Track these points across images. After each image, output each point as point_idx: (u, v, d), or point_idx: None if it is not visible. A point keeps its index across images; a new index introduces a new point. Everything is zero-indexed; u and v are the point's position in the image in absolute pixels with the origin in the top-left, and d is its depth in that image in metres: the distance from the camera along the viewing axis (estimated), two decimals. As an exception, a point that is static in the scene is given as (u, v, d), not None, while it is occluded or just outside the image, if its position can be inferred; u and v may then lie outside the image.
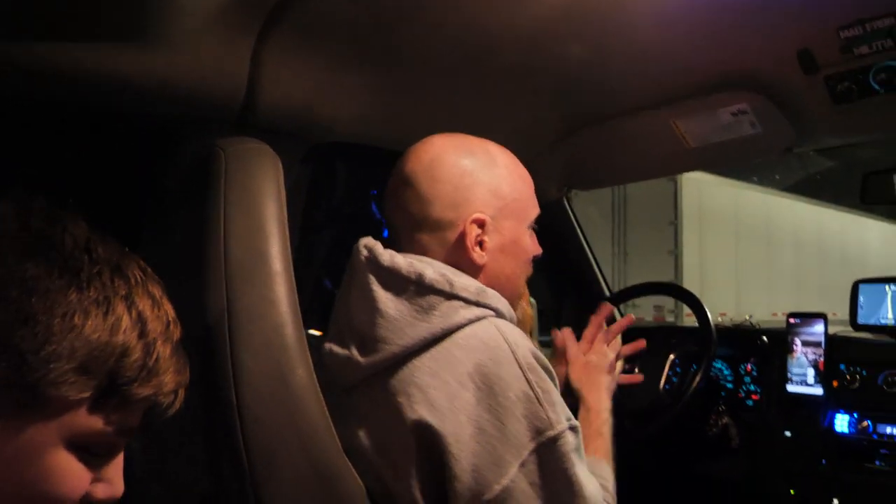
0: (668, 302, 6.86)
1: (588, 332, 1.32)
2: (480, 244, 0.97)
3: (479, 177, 0.97)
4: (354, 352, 0.92)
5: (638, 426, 1.37)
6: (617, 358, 1.31)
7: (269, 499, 0.85)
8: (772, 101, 1.40)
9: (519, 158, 1.06)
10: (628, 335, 1.39)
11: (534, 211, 1.05)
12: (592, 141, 1.68)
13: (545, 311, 2.20)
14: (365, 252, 0.96)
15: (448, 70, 1.32)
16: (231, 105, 1.12)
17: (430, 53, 1.24)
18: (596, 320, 1.33)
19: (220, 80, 1.06)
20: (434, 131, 1.07)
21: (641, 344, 1.36)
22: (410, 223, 0.98)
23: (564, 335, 1.33)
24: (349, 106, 1.28)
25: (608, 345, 1.31)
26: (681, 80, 1.43)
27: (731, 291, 7.99)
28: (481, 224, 0.96)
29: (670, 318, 6.88)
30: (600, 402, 1.20)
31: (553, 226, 2.05)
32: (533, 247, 1.06)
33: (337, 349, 0.95)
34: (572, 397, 1.22)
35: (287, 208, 1.00)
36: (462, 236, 0.96)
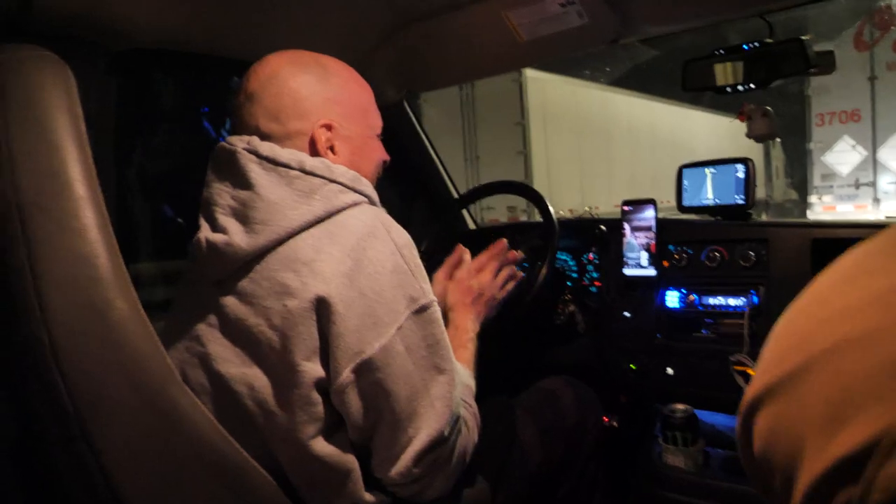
0: (520, 202, 7.11)
1: (479, 258, 1.42)
2: (332, 148, 1.02)
3: (317, 87, 1.02)
4: (234, 238, 0.94)
5: (491, 321, 1.40)
6: (506, 281, 1.40)
7: (100, 439, 0.79)
8: (596, -11, 1.39)
9: (351, 57, 1.08)
10: (486, 236, 1.43)
11: (377, 119, 1.12)
12: (425, 39, 1.62)
13: (397, 217, 2.18)
14: (242, 144, 0.98)
15: None
16: (2, 8, 0.95)
17: None
18: (491, 251, 1.42)
19: None
20: (252, 32, 1.00)
21: (504, 245, 1.44)
22: (261, 136, 1.00)
23: (460, 253, 1.43)
24: (143, 4, 1.13)
25: (495, 273, 1.39)
26: None
27: (577, 187, 8.40)
28: (329, 128, 1.02)
29: (523, 217, 7.14)
30: (467, 322, 1.30)
31: (395, 129, 2.00)
32: (381, 152, 1.13)
33: (214, 238, 0.95)
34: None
35: (97, 125, 0.88)
36: (313, 142, 1.01)
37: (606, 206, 8.05)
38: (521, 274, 1.46)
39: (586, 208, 2.41)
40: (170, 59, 1.42)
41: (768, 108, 1.77)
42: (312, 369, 0.91)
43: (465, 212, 2.29)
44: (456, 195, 2.24)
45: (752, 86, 1.56)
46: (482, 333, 1.32)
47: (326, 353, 0.91)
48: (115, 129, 1.40)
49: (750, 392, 0.38)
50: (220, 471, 0.87)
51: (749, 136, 1.80)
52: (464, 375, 1.16)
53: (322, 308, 0.89)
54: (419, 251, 1.84)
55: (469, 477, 1.11)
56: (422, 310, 0.96)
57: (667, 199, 1.95)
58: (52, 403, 0.79)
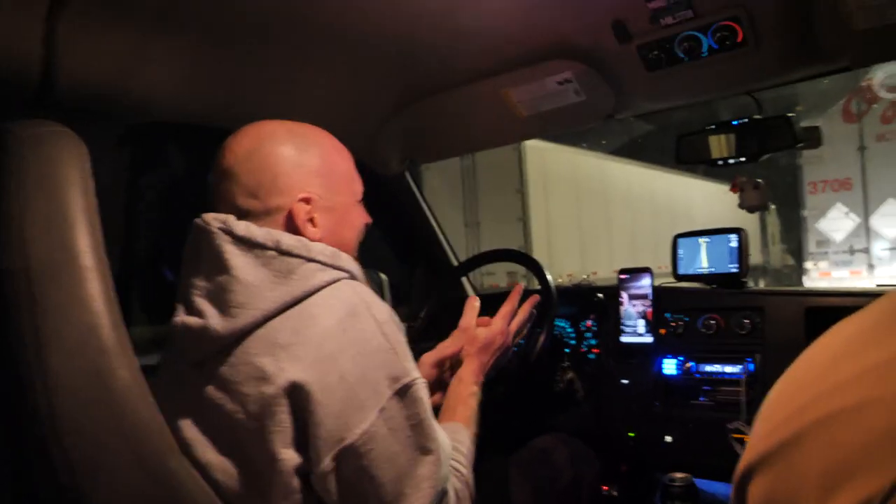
0: (520, 268, 7.11)
1: (501, 309, 1.38)
2: (311, 220, 0.99)
3: (297, 160, 1.00)
4: (211, 321, 0.91)
5: (490, 389, 1.41)
6: (517, 334, 1.38)
7: None
8: (592, 69, 1.47)
9: (356, 133, 1.08)
10: (485, 302, 1.44)
11: (357, 185, 1.10)
12: (429, 113, 1.69)
13: (398, 285, 2.21)
14: (217, 224, 0.95)
15: (273, 44, 1.26)
16: (24, 83, 1.01)
17: (252, 24, 1.18)
18: (510, 300, 1.39)
19: (8, 53, 0.95)
20: (264, 108, 1.03)
21: (521, 289, 1.44)
22: (240, 214, 0.97)
23: (472, 303, 1.39)
24: (164, 82, 1.19)
25: (508, 323, 1.36)
26: (507, 51, 1.46)
27: (576, 253, 8.46)
28: (308, 201, 0.99)
29: (523, 283, 7.17)
30: (471, 375, 1.26)
31: (397, 199, 2.05)
32: (362, 216, 1.11)
33: (190, 321, 0.93)
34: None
35: (105, 197, 0.92)
36: (292, 216, 0.98)
37: (606, 271, 8.10)
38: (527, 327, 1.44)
39: (584, 276, 2.45)
40: (182, 131, 1.47)
41: (759, 180, 1.84)
42: (292, 458, 0.87)
43: (464, 279, 2.32)
44: (456, 262, 2.28)
45: (742, 159, 1.62)
46: (481, 403, 1.28)
47: (306, 440, 0.88)
48: (126, 198, 1.45)
49: (744, 461, 0.39)
50: None
51: (741, 207, 1.85)
52: (460, 436, 1.12)
53: (298, 394, 0.86)
54: (420, 317, 1.87)
55: None
56: (405, 389, 0.92)
57: (665, 264, 1.98)
58: (49, 474, 0.79)
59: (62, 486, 0.79)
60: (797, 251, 10.94)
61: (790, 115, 1.58)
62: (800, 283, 9.92)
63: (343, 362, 0.88)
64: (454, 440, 1.10)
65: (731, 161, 1.64)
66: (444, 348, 1.35)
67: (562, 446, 1.45)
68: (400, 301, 2.20)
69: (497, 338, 1.34)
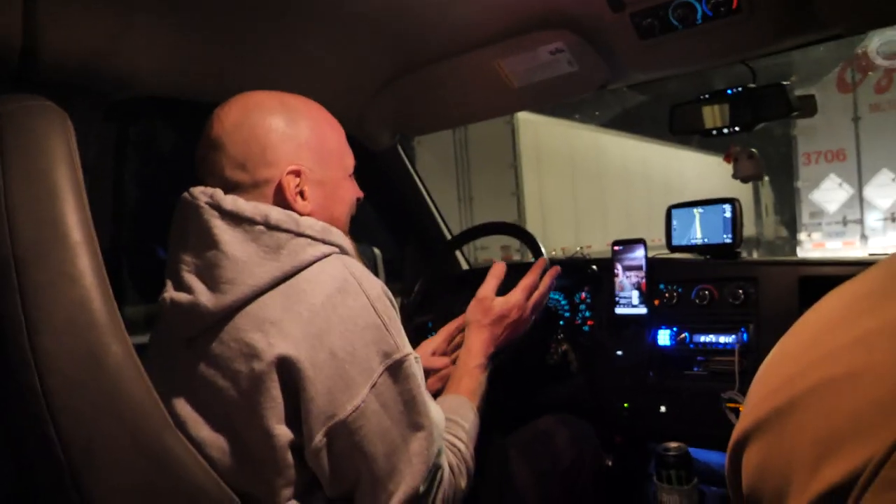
0: (513, 242, 7.14)
1: (522, 281, 1.37)
2: (301, 194, 0.98)
3: (285, 132, 0.98)
4: (201, 297, 0.90)
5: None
6: (534, 308, 1.37)
7: (93, 490, 0.79)
8: (585, 38, 1.45)
9: (346, 106, 1.06)
10: (479, 277, 1.43)
11: (349, 158, 1.08)
12: (420, 86, 1.67)
13: (391, 260, 2.21)
14: (204, 198, 0.93)
15: (262, 15, 1.24)
16: (5, 58, 0.99)
17: None
18: (532, 272, 1.39)
19: None
20: (251, 81, 1.02)
21: (544, 262, 1.44)
22: (228, 186, 0.96)
23: (495, 271, 1.38)
24: (149, 56, 1.17)
25: (528, 297, 1.35)
26: (499, 21, 1.44)
27: (570, 226, 8.47)
28: (298, 174, 0.98)
29: (517, 257, 7.18)
30: (479, 344, 1.26)
31: (389, 173, 2.04)
32: (354, 191, 1.10)
33: (179, 297, 0.92)
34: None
35: (93, 173, 0.90)
36: (281, 189, 0.97)
37: (601, 244, 8.10)
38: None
39: (578, 248, 2.45)
40: (169, 106, 1.45)
41: (754, 150, 1.82)
42: (285, 433, 0.87)
43: (457, 253, 2.31)
44: (449, 236, 2.27)
45: (737, 129, 1.61)
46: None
47: (298, 416, 0.88)
48: (113, 174, 1.43)
49: (738, 429, 0.39)
50: None
51: (735, 177, 1.84)
52: (461, 409, 1.12)
53: (289, 369, 0.86)
54: (413, 291, 1.87)
55: None
56: (396, 365, 0.92)
57: (658, 237, 1.98)
58: (44, 454, 0.79)
59: (58, 465, 0.78)
60: (791, 223, 10.98)
61: (785, 83, 1.56)
62: (793, 254, 9.97)
63: (333, 338, 0.88)
64: (455, 414, 1.10)
65: (726, 131, 1.62)
66: (456, 321, 1.38)
67: (563, 427, 1.45)
68: (394, 276, 2.20)
69: (513, 311, 1.32)
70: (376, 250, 2.00)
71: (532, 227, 7.36)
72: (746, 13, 1.28)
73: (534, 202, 7.79)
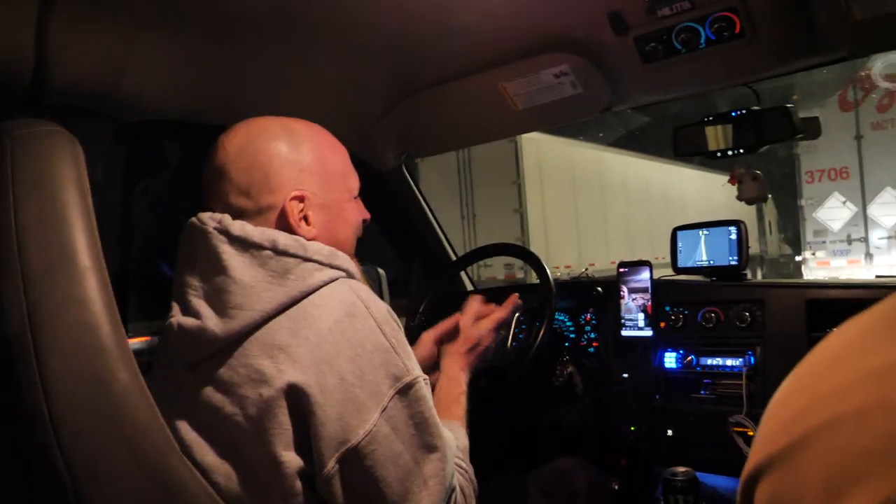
0: (517, 260, 7.15)
1: (493, 315, 1.40)
2: (305, 219, 0.98)
3: (288, 157, 0.98)
4: (208, 322, 0.89)
5: (490, 384, 1.41)
6: (497, 333, 1.39)
7: None
8: (589, 61, 1.46)
9: (353, 128, 1.06)
10: (483, 296, 1.44)
11: (353, 181, 1.08)
12: (424, 108, 1.68)
13: (396, 280, 2.21)
14: (213, 223, 0.94)
15: (269, 40, 1.25)
16: (16, 82, 1.00)
17: (245, 20, 1.17)
18: (504, 308, 1.41)
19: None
20: (259, 104, 1.02)
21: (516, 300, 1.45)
22: (233, 212, 0.96)
23: (472, 302, 1.41)
24: (157, 80, 1.18)
25: (492, 324, 1.38)
26: (504, 44, 1.45)
27: (573, 244, 8.47)
28: (301, 199, 0.98)
29: (520, 276, 7.18)
30: (459, 372, 1.28)
31: (394, 194, 2.04)
32: (359, 212, 1.09)
33: (186, 322, 0.92)
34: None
35: (102, 195, 0.91)
36: (285, 215, 0.97)
37: (603, 262, 8.11)
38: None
39: (583, 269, 2.44)
40: (177, 128, 1.46)
41: (758, 171, 1.83)
42: (294, 460, 0.86)
43: (462, 273, 2.31)
44: (453, 256, 2.27)
45: (741, 151, 1.61)
46: (477, 396, 1.30)
47: (308, 443, 0.87)
48: (122, 196, 1.44)
49: (749, 464, 0.38)
50: None
51: (740, 198, 1.84)
52: (458, 434, 1.13)
53: (298, 396, 0.85)
54: (418, 313, 1.86)
55: None
56: (407, 388, 0.91)
57: (662, 255, 1.98)
58: (49, 476, 0.78)
59: (63, 488, 0.78)
60: (794, 240, 10.97)
61: (788, 105, 1.56)
62: (798, 272, 9.94)
63: (342, 363, 0.87)
64: (455, 438, 1.10)
65: (730, 153, 1.62)
66: (443, 326, 1.39)
67: (582, 470, 1.46)
68: (397, 293, 2.20)
69: (484, 339, 1.36)
70: (380, 270, 2.00)
71: (535, 244, 7.37)
72: (750, 37, 1.29)
73: (537, 219, 7.80)
